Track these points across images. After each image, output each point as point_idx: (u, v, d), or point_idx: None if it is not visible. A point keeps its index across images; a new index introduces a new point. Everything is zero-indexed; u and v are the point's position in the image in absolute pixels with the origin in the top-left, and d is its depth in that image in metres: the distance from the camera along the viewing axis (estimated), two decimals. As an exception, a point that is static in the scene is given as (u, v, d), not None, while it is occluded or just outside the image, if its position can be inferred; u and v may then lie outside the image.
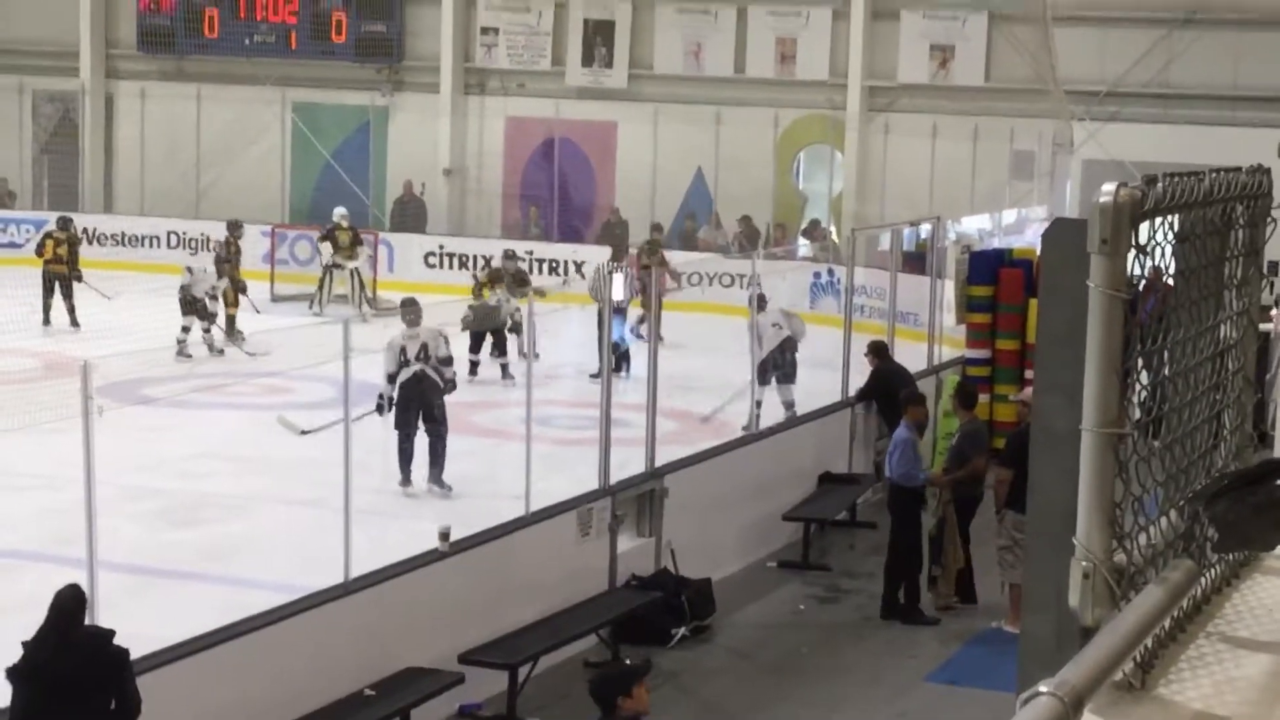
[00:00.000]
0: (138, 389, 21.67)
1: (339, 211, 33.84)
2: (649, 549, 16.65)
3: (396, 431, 18.90)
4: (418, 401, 18.80)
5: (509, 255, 29.48)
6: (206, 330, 27.42)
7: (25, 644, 10.11)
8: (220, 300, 28.08)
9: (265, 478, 19.94)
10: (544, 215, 37.70)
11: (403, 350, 18.96)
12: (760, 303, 21.60)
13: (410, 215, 38.19)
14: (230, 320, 28.17)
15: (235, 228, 30.33)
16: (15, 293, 29.27)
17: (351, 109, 39.15)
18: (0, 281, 29.59)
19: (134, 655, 10.43)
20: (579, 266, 34.30)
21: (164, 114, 40.09)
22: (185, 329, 27.14)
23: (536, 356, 19.27)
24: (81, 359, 12.17)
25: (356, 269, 32.91)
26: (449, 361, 19.50)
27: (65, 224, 30.95)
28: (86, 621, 10.56)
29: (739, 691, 14.72)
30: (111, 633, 10.34)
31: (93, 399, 11.62)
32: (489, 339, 25.94)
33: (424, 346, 19.02)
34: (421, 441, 18.88)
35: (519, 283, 27.52)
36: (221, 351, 27.26)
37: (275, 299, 33.71)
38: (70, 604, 10.19)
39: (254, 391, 24.20)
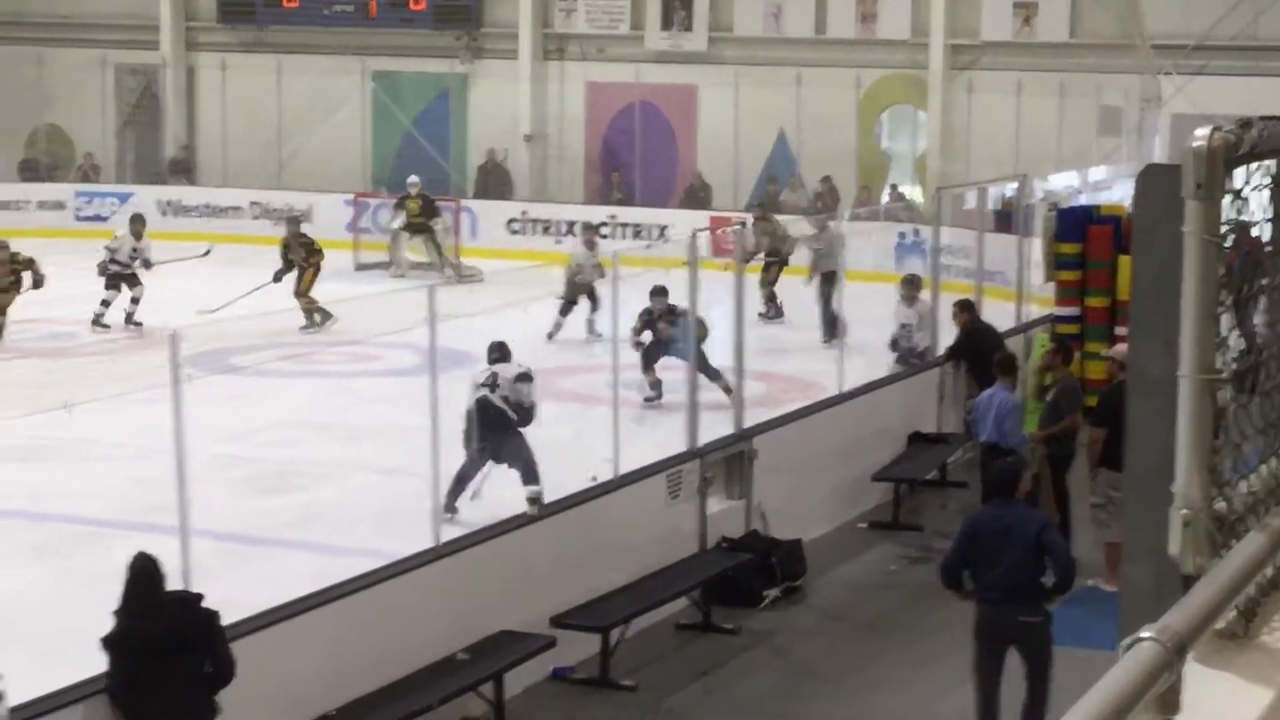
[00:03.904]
0: (223, 358, 21.80)
1: (411, 179, 33.96)
2: (738, 511, 16.61)
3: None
4: (481, 431, 16.65)
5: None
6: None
7: (115, 613, 10.19)
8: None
9: (351, 445, 20.06)
10: (626, 180, 37.68)
11: (474, 381, 16.99)
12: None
13: (494, 182, 38.25)
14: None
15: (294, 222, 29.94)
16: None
17: (431, 77, 39.25)
18: (87, 255, 29.72)
19: (226, 621, 10.48)
20: (662, 230, 34.27)
21: (245, 85, 40.29)
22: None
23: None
24: (169, 329, 12.21)
25: (431, 236, 33.01)
26: (526, 378, 16.91)
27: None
28: (180, 588, 10.63)
29: (832, 652, 14.69)
30: (199, 596, 10.41)
31: (181, 368, 11.66)
32: (582, 302, 26.04)
33: (493, 375, 16.79)
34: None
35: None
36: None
37: (359, 267, 33.96)
38: (147, 568, 10.24)
39: (338, 359, 24.33)
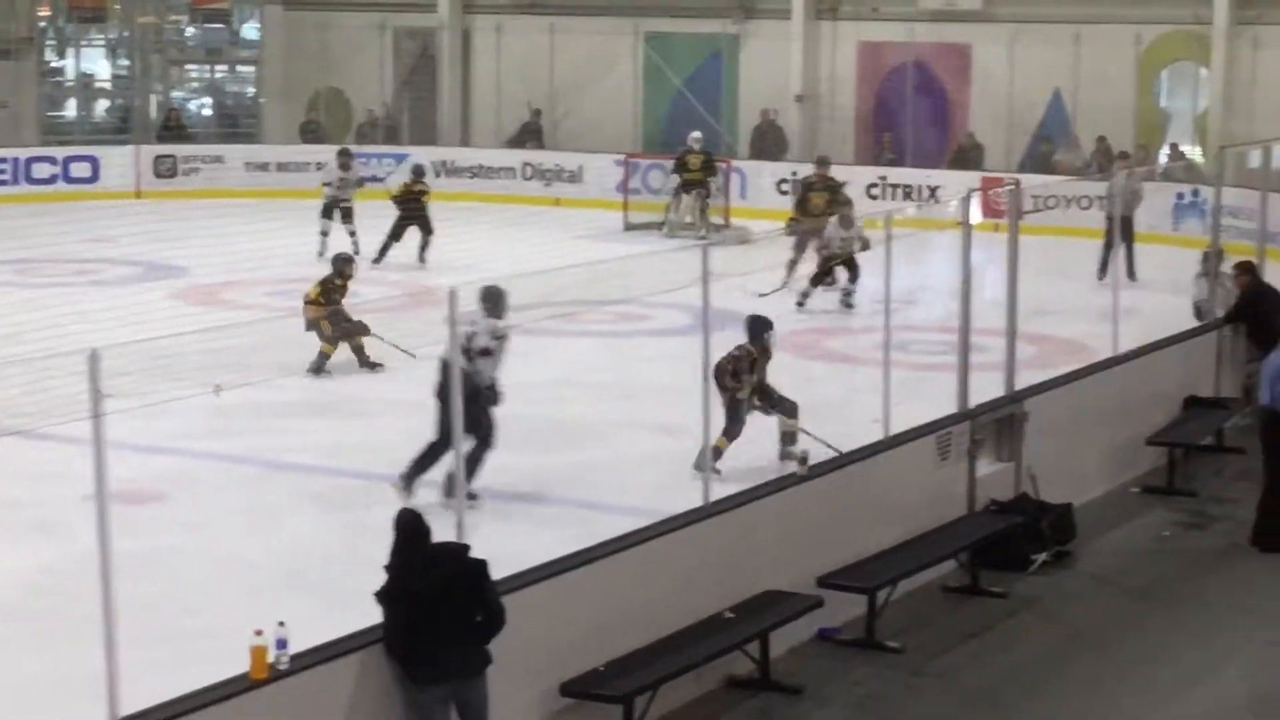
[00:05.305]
0: (495, 317, 22.03)
1: (694, 135, 34.31)
2: (1008, 473, 16.40)
3: None
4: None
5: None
6: None
7: (387, 566, 10.36)
8: None
9: (622, 404, 20.17)
10: (897, 140, 37.39)
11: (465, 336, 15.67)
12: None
13: (770, 143, 38.21)
14: None
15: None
16: (375, 224, 29.99)
17: (702, 37, 39.33)
18: (361, 214, 30.38)
19: (497, 576, 10.59)
20: (933, 192, 34.01)
21: (518, 47, 40.70)
22: None
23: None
24: (446, 287, 12.34)
25: (704, 194, 33.42)
26: (485, 353, 16.09)
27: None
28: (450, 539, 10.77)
29: (1103, 617, 14.44)
30: (466, 546, 10.53)
31: (457, 325, 11.78)
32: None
33: (470, 336, 15.80)
34: None
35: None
36: None
37: (628, 227, 34.26)
38: (413, 522, 10.40)
39: (608, 319, 24.49)
